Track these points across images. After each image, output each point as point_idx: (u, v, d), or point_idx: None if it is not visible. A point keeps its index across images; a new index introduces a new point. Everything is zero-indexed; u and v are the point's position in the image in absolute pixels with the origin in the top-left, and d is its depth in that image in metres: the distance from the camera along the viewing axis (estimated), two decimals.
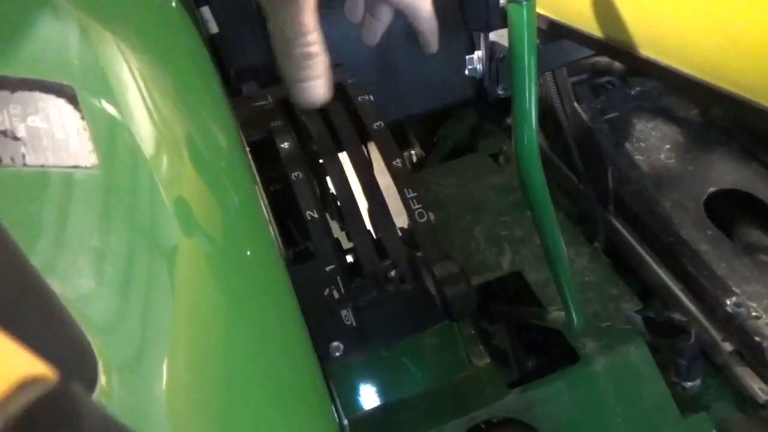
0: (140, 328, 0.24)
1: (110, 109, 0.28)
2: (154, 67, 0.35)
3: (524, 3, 0.39)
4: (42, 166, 0.22)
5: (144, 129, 0.30)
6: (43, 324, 0.15)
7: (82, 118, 0.25)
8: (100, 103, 0.27)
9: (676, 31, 0.36)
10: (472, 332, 0.73)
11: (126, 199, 0.25)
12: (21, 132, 0.22)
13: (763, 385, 0.63)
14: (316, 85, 0.47)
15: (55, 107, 0.24)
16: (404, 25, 0.88)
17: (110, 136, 0.26)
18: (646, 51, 0.41)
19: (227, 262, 0.34)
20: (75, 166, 0.23)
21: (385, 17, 0.61)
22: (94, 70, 0.29)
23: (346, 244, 0.71)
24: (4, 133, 0.22)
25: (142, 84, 0.33)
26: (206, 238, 0.32)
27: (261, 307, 0.38)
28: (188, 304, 0.28)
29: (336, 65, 0.91)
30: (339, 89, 0.82)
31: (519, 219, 0.84)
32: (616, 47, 0.45)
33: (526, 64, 0.43)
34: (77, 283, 0.22)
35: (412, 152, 1.28)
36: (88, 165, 0.24)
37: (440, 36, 0.96)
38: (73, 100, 0.25)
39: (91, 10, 0.33)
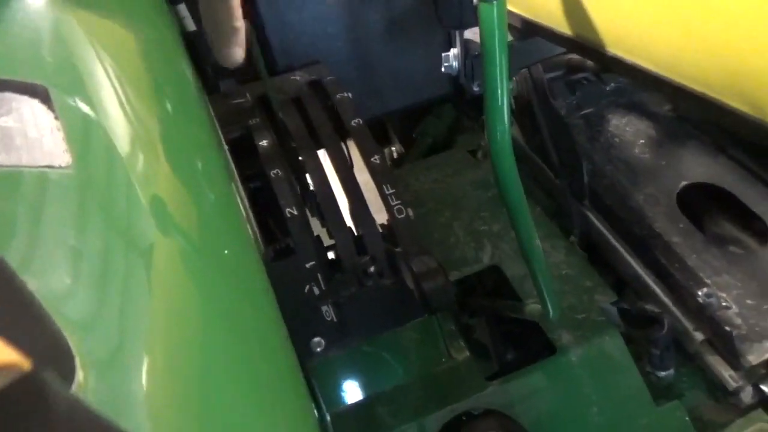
0: (117, 325, 0.24)
1: (84, 108, 0.28)
2: (129, 66, 0.35)
3: (494, 2, 0.40)
4: (15, 165, 0.22)
5: (119, 128, 0.31)
6: (19, 321, 0.15)
7: (56, 117, 0.25)
8: (74, 102, 0.27)
9: (639, 31, 0.37)
10: (452, 327, 0.74)
11: (101, 198, 0.25)
12: None
13: (732, 373, 0.65)
14: (238, 51, 0.61)
15: (29, 107, 0.24)
16: (382, 20, 0.89)
17: (84, 135, 0.27)
18: (612, 49, 0.42)
19: (203, 258, 0.35)
20: (49, 166, 0.23)
21: None
22: (68, 69, 0.29)
23: (327, 242, 0.72)
24: None
25: (116, 83, 0.33)
26: (182, 236, 0.32)
27: (237, 304, 0.39)
28: (164, 300, 0.28)
29: (315, 62, 0.92)
30: (317, 86, 0.82)
31: (497, 214, 0.86)
32: (586, 45, 0.46)
33: (498, 61, 0.44)
34: (53, 281, 0.22)
35: (392, 149, 1.29)
36: (63, 164, 0.24)
37: (418, 33, 0.97)
38: (46, 99, 0.25)
39: (65, 9, 0.33)
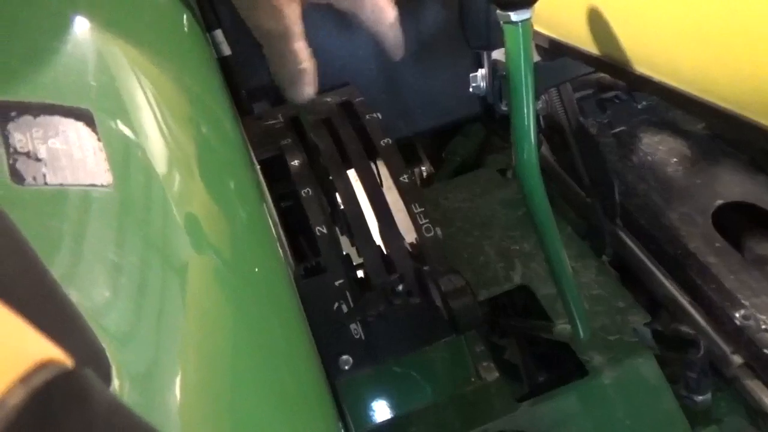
0: (152, 339, 0.25)
1: (125, 131, 0.29)
2: (166, 91, 0.37)
3: (519, 23, 0.41)
4: (61, 184, 0.24)
5: (156, 149, 0.32)
6: (61, 327, 0.16)
7: (99, 139, 0.26)
8: (115, 125, 0.29)
9: (667, 49, 0.37)
10: (481, 347, 0.73)
11: (139, 215, 0.27)
12: (42, 153, 0.24)
13: None
14: (307, 90, 0.62)
15: (74, 130, 0.26)
16: (411, 42, 0.90)
17: (125, 156, 0.28)
18: (640, 68, 0.42)
19: (234, 275, 0.36)
20: (92, 185, 0.25)
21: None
22: (110, 93, 0.31)
23: (357, 260, 0.73)
24: (27, 154, 0.23)
25: (155, 107, 0.35)
26: (214, 252, 0.34)
27: (267, 320, 0.39)
28: (197, 315, 0.29)
29: (345, 84, 0.94)
30: (347, 107, 0.84)
31: (527, 233, 0.85)
32: (613, 64, 0.46)
33: (523, 82, 0.44)
34: (93, 293, 0.23)
35: (422, 168, 1.30)
36: (104, 183, 0.25)
37: (446, 54, 0.98)
38: (90, 122, 0.27)
39: (107, 34, 0.35)
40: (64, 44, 0.31)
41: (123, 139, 0.29)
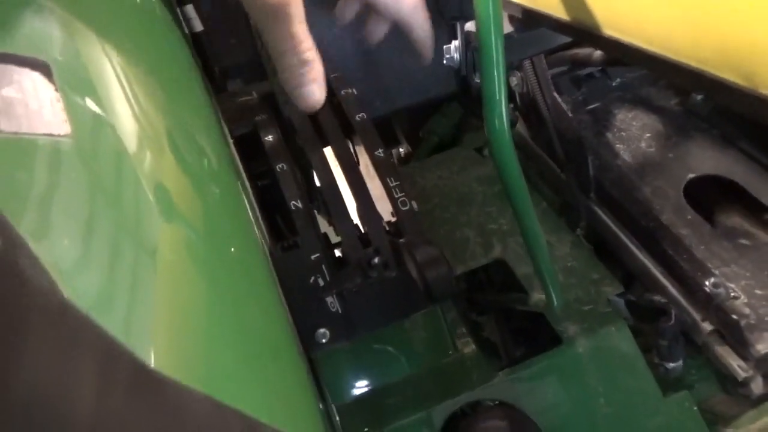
0: (122, 307, 0.24)
1: (85, 85, 0.29)
2: (134, 58, 0.36)
3: None
4: (15, 132, 0.23)
5: (118, 106, 0.31)
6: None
7: (56, 90, 0.26)
8: (74, 79, 0.28)
9: (634, 10, 0.38)
10: (458, 320, 0.74)
11: (99, 167, 0.26)
12: None
13: (741, 363, 0.65)
14: (315, 89, 0.53)
15: (30, 80, 0.25)
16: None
17: (84, 108, 0.28)
18: (610, 31, 0.42)
19: (206, 248, 0.35)
20: (49, 134, 0.24)
21: (382, 27, 0.63)
22: (70, 51, 0.30)
23: (335, 240, 0.72)
24: None
25: (118, 70, 0.34)
26: (184, 223, 0.33)
27: (241, 295, 0.39)
28: (167, 286, 0.28)
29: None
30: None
31: (504, 209, 0.86)
32: (584, 29, 0.46)
33: (494, 52, 0.44)
34: (54, 243, 0.23)
35: (400, 149, 1.29)
36: (62, 133, 0.25)
37: None
38: (47, 73, 0.26)
39: (69, 3, 0.34)
40: (22, 7, 0.30)
41: (82, 92, 0.28)
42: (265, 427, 0.30)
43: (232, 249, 0.40)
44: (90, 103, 0.28)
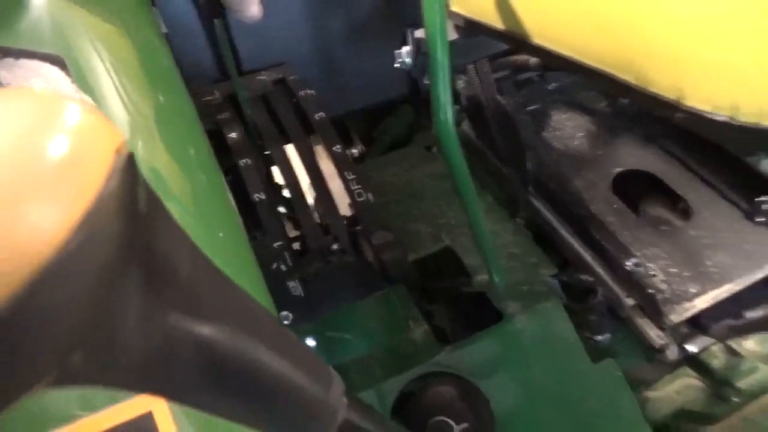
0: None
1: (94, 79, 0.33)
2: (123, 55, 0.41)
3: (436, 2, 0.47)
4: None
5: (114, 101, 0.36)
6: None
7: (73, 82, 0.31)
8: (84, 73, 0.33)
9: (554, 20, 0.45)
10: (410, 304, 0.80)
11: None
12: None
13: (658, 332, 0.73)
14: (254, 7, 0.60)
15: (52, 72, 0.30)
16: (345, 27, 0.96)
17: (97, 100, 0.32)
18: (538, 40, 0.50)
19: (200, 230, 0.40)
20: None
21: None
22: (79, 46, 0.35)
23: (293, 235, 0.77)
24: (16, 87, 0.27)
25: (111, 69, 0.39)
26: (178, 206, 0.38)
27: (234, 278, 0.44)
28: None
29: (280, 63, 0.98)
30: (282, 84, 0.88)
31: (452, 202, 0.93)
32: (518, 38, 0.53)
33: (440, 57, 0.50)
34: None
35: (354, 150, 1.35)
36: None
37: (377, 37, 1.04)
38: (64, 67, 0.31)
39: (64, 8, 0.38)
40: (21, 12, 0.35)
41: (88, 84, 0.33)
42: None
43: (221, 234, 0.45)
44: (95, 93, 0.33)
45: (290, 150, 0.79)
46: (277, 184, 0.83)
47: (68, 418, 0.23)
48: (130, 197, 0.13)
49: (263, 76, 0.89)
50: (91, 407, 0.24)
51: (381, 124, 1.22)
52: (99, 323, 0.12)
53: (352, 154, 1.34)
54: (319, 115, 0.78)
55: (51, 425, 0.23)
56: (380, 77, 1.05)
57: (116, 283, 0.12)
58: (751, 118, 0.35)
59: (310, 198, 0.75)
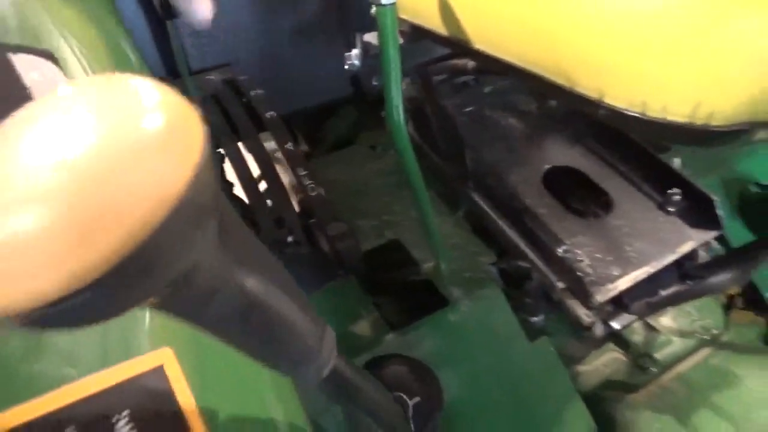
0: None
1: (81, 73, 0.36)
2: (99, 51, 0.43)
3: (388, 8, 0.52)
4: None
5: None
6: None
7: (65, 75, 0.33)
8: (69, 70, 0.35)
9: (496, 27, 0.50)
10: (360, 294, 0.84)
11: None
12: (27, 83, 0.31)
13: (586, 311, 0.81)
14: (204, 7, 0.60)
15: (47, 67, 0.32)
16: (291, 29, 0.99)
17: None
18: (478, 45, 0.55)
19: None
20: None
21: None
22: (60, 49, 0.37)
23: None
24: (17, 80, 0.30)
25: (89, 63, 0.41)
26: None
27: None
28: None
29: (225, 65, 1.00)
30: (232, 85, 0.90)
31: (397, 198, 0.98)
32: (459, 42, 0.59)
33: (392, 59, 0.55)
34: None
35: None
36: None
37: (322, 40, 1.08)
38: (55, 62, 0.33)
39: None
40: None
41: (70, 77, 0.36)
42: None
43: None
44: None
45: (242, 148, 0.81)
46: (229, 181, 0.86)
47: (82, 374, 0.26)
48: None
49: (212, 76, 0.91)
50: (104, 363, 0.27)
51: (325, 124, 1.25)
52: (192, 263, 0.16)
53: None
54: (270, 114, 0.81)
55: (66, 381, 0.26)
56: (324, 79, 1.08)
57: (205, 227, 0.16)
58: (657, 114, 0.42)
59: (262, 193, 0.78)
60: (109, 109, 0.14)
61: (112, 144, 0.13)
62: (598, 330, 0.82)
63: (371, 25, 0.65)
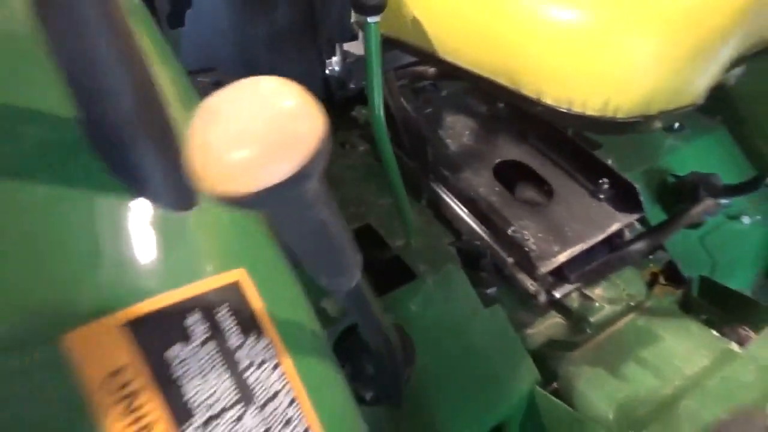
0: None
1: None
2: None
3: (372, 24, 0.63)
4: None
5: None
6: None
7: None
8: None
9: (453, 38, 0.63)
10: None
11: None
12: None
13: (532, 282, 0.95)
14: None
15: None
16: (267, 36, 1.09)
17: None
18: (441, 54, 0.68)
19: None
20: None
21: None
22: None
23: None
24: None
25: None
26: None
27: None
28: None
29: (212, 69, 1.09)
30: (221, 86, 0.99)
31: (366, 188, 1.09)
32: (424, 52, 0.71)
33: (374, 66, 0.67)
34: None
35: None
36: None
37: (295, 46, 1.18)
38: None
39: None
40: None
41: None
42: None
43: None
44: None
45: None
46: None
47: (162, 289, 0.35)
48: None
49: (202, 78, 1.00)
50: (183, 280, 0.36)
51: None
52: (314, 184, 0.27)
53: None
54: None
55: (150, 294, 0.35)
56: (297, 82, 1.19)
57: (319, 178, 0.27)
58: (579, 109, 0.56)
59: None
60: (277, 93, 0.25)
61: (281, 111, 0.24)
62: (542, 298, 0.96)
63: (342, 35, 0.77)
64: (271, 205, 0.27)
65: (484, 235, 0.99)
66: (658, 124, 0.58)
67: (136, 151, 0.33)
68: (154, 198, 0.35)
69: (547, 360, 0.93)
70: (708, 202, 0.96)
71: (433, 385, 0.84)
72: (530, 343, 0.96)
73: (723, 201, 1.02)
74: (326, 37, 0.78)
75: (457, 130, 1.16)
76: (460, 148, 1.12)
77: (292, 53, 1.17)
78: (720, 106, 1.04)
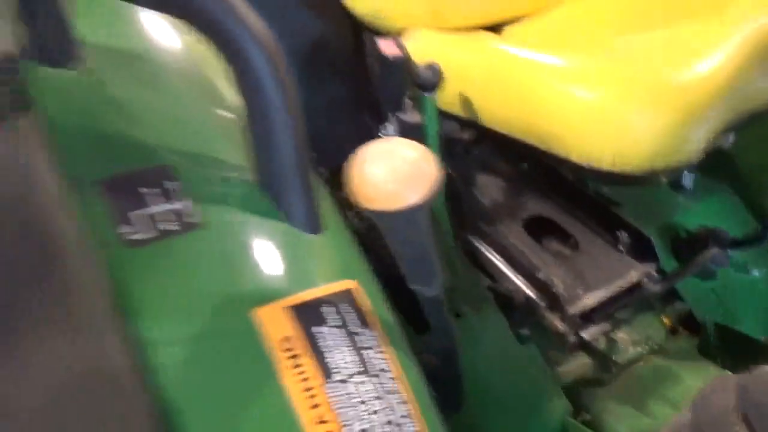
0: None
1: None
2: None
3: (428, 98, 0.78)
4: None
5: None
6: None
7: None
8: None
9: (496, 111, 0.78)
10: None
11: None
12: None
13: (561, 323, 1.05)
14: None
15: None
16: (323, 103, 1.25)
17: None
18: (483, 122, 0.83)
19: None
20: None
21: None
22: None
23: None
24: None
25: None
26: None
27: None
28: None
29: None
30: None
31: None
32: (469, 122, 0.86)
33: (431, 132, 0.82)
34: None
35: None
36: None
37: (349, 115, 1.33)
38: None
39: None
40: None
41: None
42: None
43: None
44: None
45: None
46: None
47: (305, 287, 0.49)
48: None
49: None
50: (318, 283, 0.49)
51: None
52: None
53: None
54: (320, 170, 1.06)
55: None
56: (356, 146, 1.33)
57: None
58: (597, 165, 0.70)
59: None
60: (410, 148, 0.39)
61: (413, 159, 0.38)
62: (571, 338, 1.06)
63: (398, 107, 0.91)
64: (399, 220, 0.40)
65: (516, 280, 1.11)
66: (662, 178, 0.72)
67: (290, 192, 0.48)
68: (296, 225, 0.48)
69: (576, 395, 1.02)
70: (715, 251, 1.07)
71: (475, 413, 0.93)
72: (560, 379, 1.05)
73: (731, 252, 1.13)
74: (383, 108, 0.93)
75: (490, 187, 1.29)
76: (492, 203, 1.25)
77: (351, 121, 1.33)
78: (722, 168, 1.18)
